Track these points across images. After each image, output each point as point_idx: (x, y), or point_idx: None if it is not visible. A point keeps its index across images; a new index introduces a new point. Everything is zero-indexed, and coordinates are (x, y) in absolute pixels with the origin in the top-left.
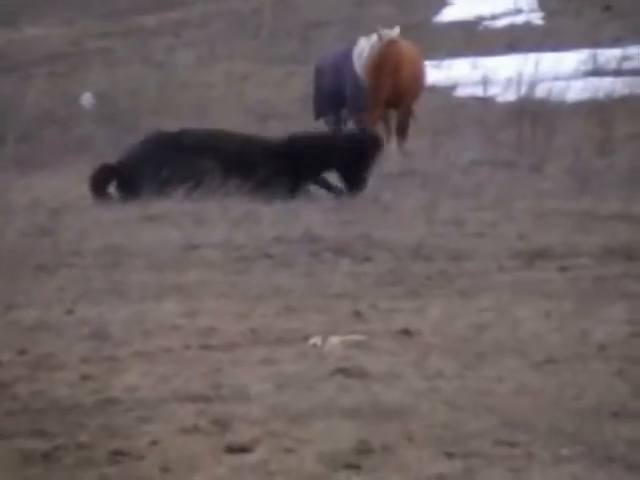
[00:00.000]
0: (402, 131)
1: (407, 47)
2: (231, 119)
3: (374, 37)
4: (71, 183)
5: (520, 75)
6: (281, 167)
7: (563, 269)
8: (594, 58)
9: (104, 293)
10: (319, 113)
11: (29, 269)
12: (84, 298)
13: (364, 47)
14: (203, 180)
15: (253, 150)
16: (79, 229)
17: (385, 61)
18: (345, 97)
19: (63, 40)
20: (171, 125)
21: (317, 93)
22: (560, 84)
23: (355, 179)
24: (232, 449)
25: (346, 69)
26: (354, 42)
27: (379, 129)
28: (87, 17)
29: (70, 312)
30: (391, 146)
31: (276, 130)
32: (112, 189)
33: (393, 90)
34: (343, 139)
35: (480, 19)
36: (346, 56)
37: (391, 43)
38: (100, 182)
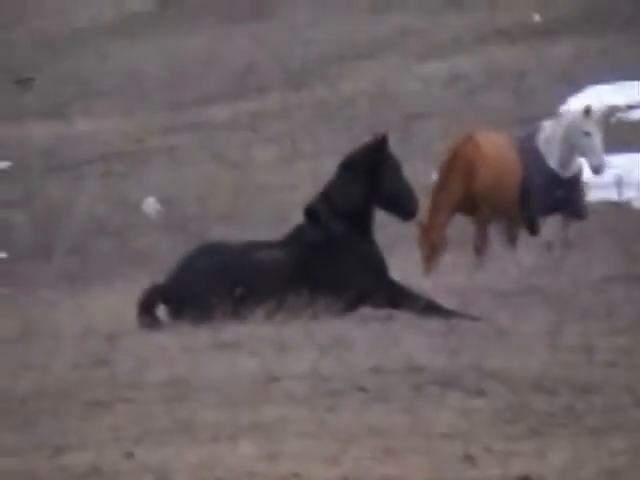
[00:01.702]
0: (478, 243)
1: (493, 143)
2: None
3: (567, 116)
4: (129, 303)
5: None
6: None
7: None
8: None
9: (168, 433)
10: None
11: (81, 405)
12: (145, 439)
13: (554, 131)
14: (285, 300)
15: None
16: (139, 358)
17: (457, 160)
18: (529, 194)
19: (120, 135)
20: (247, 235)
21: None
22: None
23: None
24: None
25: (529, 161)
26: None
27: (441, 240)
28: (147, 108)
29: (129, 456)
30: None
31: None
32: (162, 313)
33: (466, 195)
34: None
35: (613, 109)
36: (526, 145)
37: (467, 139)
38: (148, 306)
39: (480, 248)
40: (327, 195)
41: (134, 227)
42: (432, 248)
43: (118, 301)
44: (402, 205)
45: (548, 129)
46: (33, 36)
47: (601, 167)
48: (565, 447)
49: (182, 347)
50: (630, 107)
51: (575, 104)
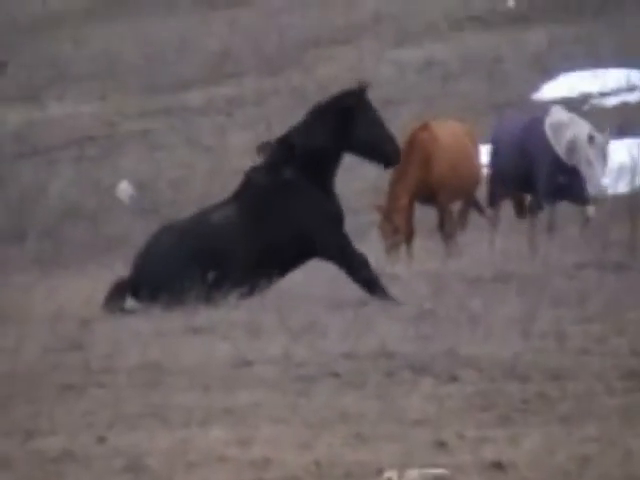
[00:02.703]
0: (442, 228)
1: (450, 132)
2: None
3: (574, 116)
4: (102, 287)
5: (634, 163)
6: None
7: None
8: None
9: (141, 418)
10: (494, 199)
11: (53, 389)
12: (117, 424)
13: (560, 118)
14: (258, 283)
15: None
16: (111, 343)
17: (413, 149)
18: (534, 180)
19: (94, 119)
20: None
21: (494, 174)
22: None
23: None
24: None
25: (536, 145)
26: (537, 111)
27: (404, 224)
28: (122, 92)
29: (101, 440)
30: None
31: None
32: (129, 302)
33: (423, 183)
34: None
35: (586, 97)
36: (534, 128)
37: (424, 127)
38: (116, 300)
39: (446, 235)
40: (287, 136)
41: (107, 212)
42: (395, 233)
43: (91, 286)
44: (381, 151)
45: (555, 115)
46: (7, 18)
47: (596, 194)
48: (537, 434)
49: (155, 332)
50: (603, 94)
51: (547, 91)
